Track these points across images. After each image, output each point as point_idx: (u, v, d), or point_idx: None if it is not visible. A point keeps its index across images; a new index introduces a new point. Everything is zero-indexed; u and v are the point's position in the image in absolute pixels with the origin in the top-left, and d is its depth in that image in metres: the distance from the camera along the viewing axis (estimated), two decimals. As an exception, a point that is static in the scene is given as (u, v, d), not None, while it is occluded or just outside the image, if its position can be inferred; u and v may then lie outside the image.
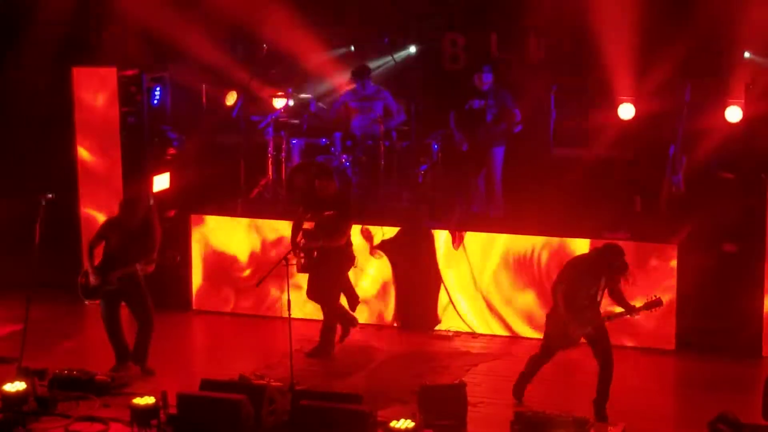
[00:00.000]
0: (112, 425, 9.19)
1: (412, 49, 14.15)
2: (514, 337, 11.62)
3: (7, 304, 11.51)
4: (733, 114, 12.09)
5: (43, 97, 13.44)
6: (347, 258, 11.01)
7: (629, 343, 11.23)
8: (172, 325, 11.98)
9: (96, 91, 12.82)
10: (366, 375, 10.60)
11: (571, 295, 9.37)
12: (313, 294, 11.03)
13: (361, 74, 13.05)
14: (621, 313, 9.49)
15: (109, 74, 12.77)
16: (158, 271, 10.49)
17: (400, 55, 13.87)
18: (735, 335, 11.28)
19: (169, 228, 12.77)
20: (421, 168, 12.75)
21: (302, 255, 10.77)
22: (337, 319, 11.12)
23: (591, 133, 13.41)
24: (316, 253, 10.79)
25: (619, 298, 9.51)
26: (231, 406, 8.86)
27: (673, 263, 11.25)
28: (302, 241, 10.75)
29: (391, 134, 12.73)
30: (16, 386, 9.33)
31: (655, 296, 9.40)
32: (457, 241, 11.77)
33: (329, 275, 10.90)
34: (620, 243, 11.26)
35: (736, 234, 11.54)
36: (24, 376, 9.52)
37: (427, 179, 12.79)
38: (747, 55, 12.20)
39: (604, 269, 9.35)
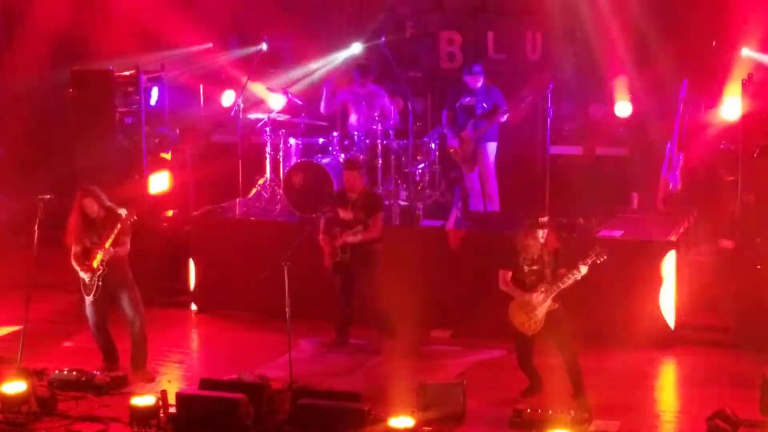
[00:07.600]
0: (111, 425, 9.17)
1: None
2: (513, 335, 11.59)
3: (6, 304, 11.52)
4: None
5: (40, 97, 13.45)
6: (380, 253, 10.97)
7: (627, 340, 11.24)
8: (171, 324, 12.00)
9: (93, 92, 12.82)
10: (365, 373, 10.60)
11: (513, 276, 9.49)
12: (347, 293, 11.07)
13: (365, 72, 13.05)
14: (568, 276, 9.33)
15: (107, 75, 12.77)
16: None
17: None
18: (732, 331, 11.31)
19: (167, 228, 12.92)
20: (419, 166, 12.76)
21: (338, 251, 10.86)
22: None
23: (588, 130, 13.43)
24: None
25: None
26: (230, 405, 8.88)
27: (671, 260, 11.26)
28: (340, 236, 10.80)
29: (388, 133, 12.74)
30: (16, 387, 9.36)
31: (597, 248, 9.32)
32: (455, 239, 11.77)
33: (370, 272, 10.89)
34: (617, 239, 11.41)
35: (733, 230, 11.57)
36: (24, 377, 9.54)
37: (424, 178, 12.80)
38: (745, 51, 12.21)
39: (521, 250, 9.42)
